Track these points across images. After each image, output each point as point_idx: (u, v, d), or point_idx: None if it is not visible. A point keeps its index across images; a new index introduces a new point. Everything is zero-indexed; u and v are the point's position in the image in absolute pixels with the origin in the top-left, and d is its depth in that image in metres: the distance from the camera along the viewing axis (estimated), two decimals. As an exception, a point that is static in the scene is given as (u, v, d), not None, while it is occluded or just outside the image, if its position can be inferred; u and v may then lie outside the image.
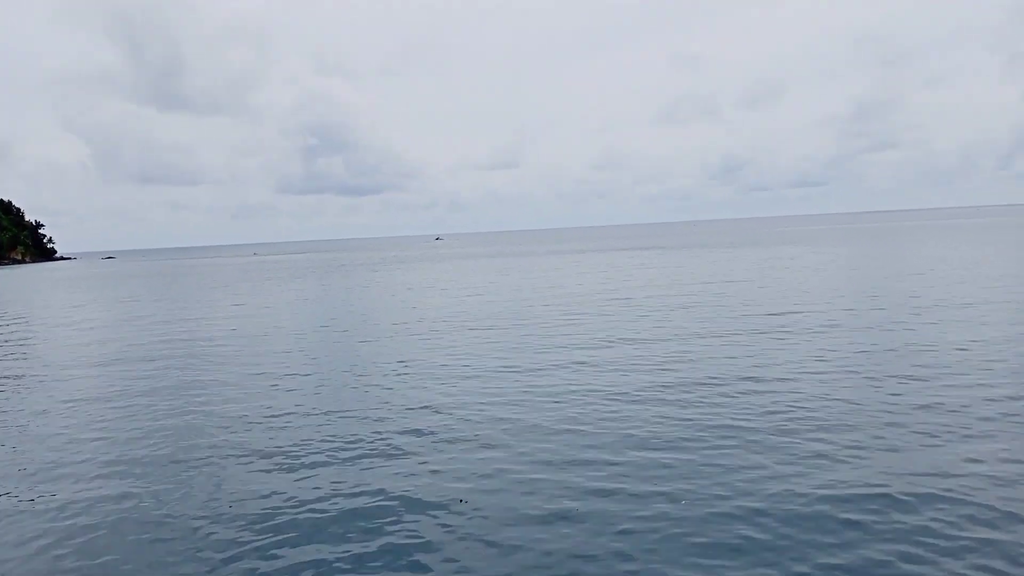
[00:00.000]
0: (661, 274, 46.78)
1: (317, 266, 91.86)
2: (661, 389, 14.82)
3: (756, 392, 14.21)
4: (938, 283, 32.28)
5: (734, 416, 12.57)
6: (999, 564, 7.14)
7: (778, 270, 44.94)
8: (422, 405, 14.45)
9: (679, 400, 13.87)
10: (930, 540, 7.71)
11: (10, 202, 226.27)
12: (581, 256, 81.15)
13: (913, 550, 7.51)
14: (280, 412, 14.50)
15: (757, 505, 8.78)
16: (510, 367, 17.90)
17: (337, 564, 7.84)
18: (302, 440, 12.41)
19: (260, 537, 8.58)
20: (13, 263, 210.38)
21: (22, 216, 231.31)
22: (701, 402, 13.66)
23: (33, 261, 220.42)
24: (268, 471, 10.96)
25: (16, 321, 36.90)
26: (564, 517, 8.73)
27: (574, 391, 15.00)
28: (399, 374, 17.77)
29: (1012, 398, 12.98)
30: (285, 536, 8.61)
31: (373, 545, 8.25)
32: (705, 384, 15.08)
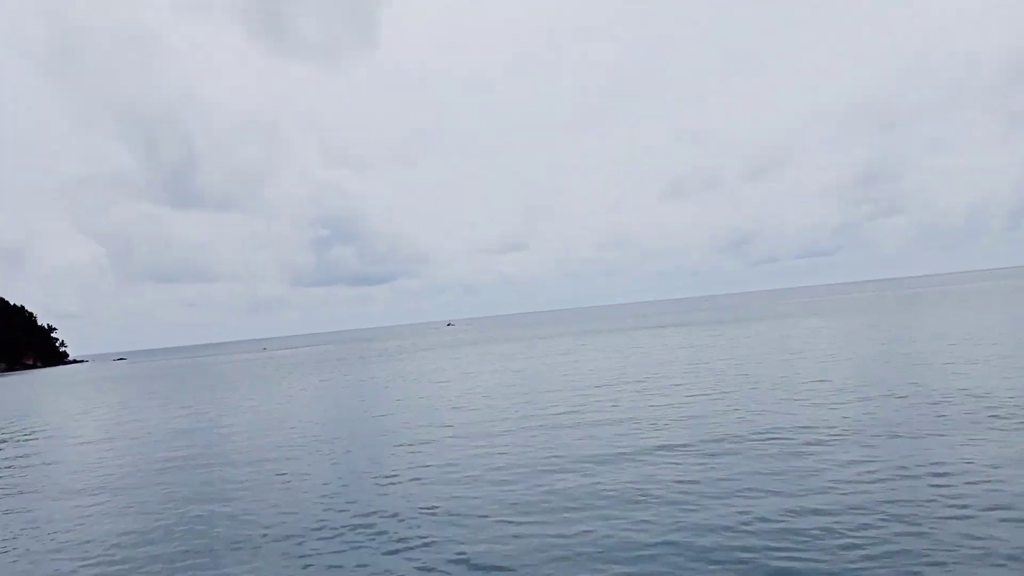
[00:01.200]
0: (681, 356, 43.72)
1: (322, 359, 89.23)
2: (698, 534, 11.79)
3: (816, 541, 11.14)
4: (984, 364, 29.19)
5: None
6: None
7: (805, 347, 41.84)
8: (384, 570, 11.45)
9: (724, 553, 10.83)
10: None
11: (23, 307, 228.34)
12: (593, 337, 78.19)
13: None
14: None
15: None
16: (502, 501, 14.88)
17: None
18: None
19: None
20: (24, 368, 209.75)
21: (34, 320, 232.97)
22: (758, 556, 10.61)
23: (44, 365, 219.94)
24: None
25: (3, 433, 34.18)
26: None
27: (584, 543, 11.97)
28: (372, 518, 14.79)
29: None
30: None
31: None
32: (759, 526, 12.02)
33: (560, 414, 24.89)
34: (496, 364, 52.21)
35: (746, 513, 12.07)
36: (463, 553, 11.48)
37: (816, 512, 11.80)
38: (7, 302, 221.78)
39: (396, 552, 11.90)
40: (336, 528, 13.59)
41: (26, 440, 32.60)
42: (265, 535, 13.55)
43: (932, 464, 14.13)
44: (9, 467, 25.19)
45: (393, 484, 16.83)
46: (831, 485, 13.28)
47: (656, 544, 11.07)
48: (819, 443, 16.86)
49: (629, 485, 14.65)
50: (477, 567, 10.84)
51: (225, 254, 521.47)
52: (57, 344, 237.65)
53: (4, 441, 33.03)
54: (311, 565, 11.65)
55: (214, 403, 41.87)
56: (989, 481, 12.70)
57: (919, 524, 10.84)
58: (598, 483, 15.06)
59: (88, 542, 14.27)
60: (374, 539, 12.71)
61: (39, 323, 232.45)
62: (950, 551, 9.76)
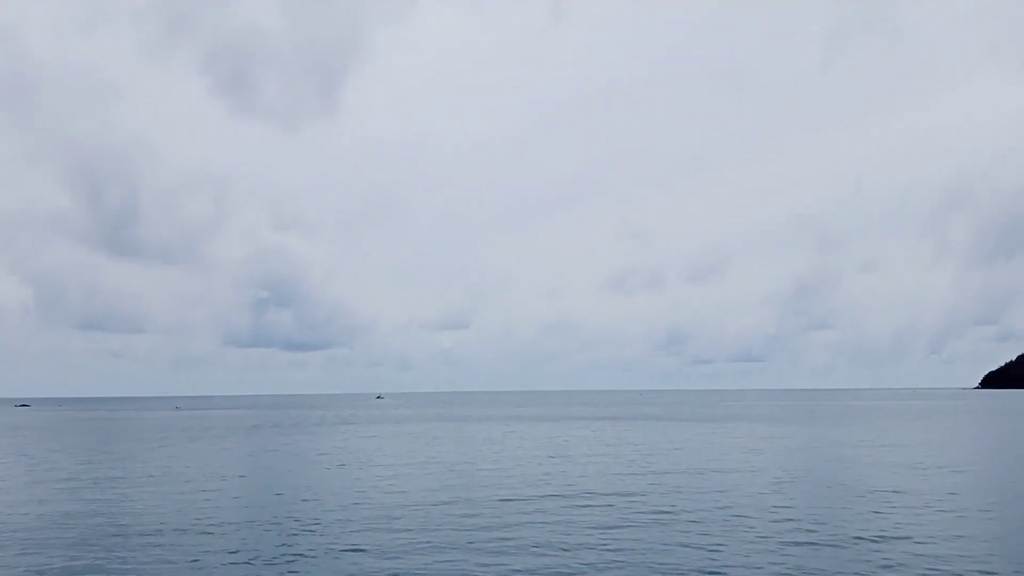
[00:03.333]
0: (617, 459, 39.88)
1: (233, 425, 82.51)
2: None
3: None
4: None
5: None
6: None
7: (754, 455, 38.52)
8: None
9: None
10: None
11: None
12: (525, 425, 73.84)
13: None
14: None
15: None
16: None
17: None
18: None
19: None
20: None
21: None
22: None
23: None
24: None
25: None
26: None
27: None
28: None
29: None
30: None
31: None
32: None
33: (472, 522, 20.67)
34: (413, 448, 47.51)
35: None
36: None
37: None
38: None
39: None
40: None
41: None
42: None
43: None
44: None
45: None
46: None
47: None
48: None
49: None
50: None
51: (158, 307, 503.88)
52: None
53: None
54: None
55: (83, 473, 36.13)
56: None
57: None
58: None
59: None
60: None
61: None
62: None
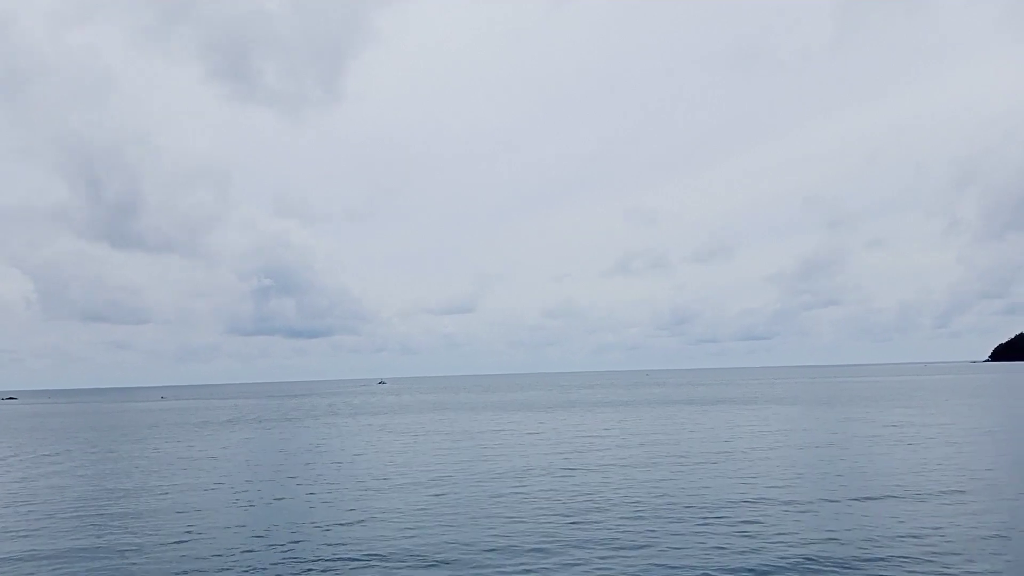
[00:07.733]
0: (641, 465, 32.82)
1: (216, 416, 75.78)
2: None
3: None
4: None
5: None
6: None
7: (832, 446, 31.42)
8: None
9: None
10: None
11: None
12: (527, 416, 66.84)
13: None
14: None
15: None
16: None
17: None
18: None
19: None
20: None
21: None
22: None
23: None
24: None
25: None
26: None
27: None
28: None
29: None
30: None
31: None
32: None
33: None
34: (401, 447, 40.43)
35: None
36: None
37: None
38: None
39: None
40: None
41: None
42: None
43: None
44: None
45: None
46: None
47: None
48: None
49: None
50: None
51: (160, 297, 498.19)
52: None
53: None
54: None
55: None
56: None
57: None
58: None
59: None
60: None
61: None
62: None
